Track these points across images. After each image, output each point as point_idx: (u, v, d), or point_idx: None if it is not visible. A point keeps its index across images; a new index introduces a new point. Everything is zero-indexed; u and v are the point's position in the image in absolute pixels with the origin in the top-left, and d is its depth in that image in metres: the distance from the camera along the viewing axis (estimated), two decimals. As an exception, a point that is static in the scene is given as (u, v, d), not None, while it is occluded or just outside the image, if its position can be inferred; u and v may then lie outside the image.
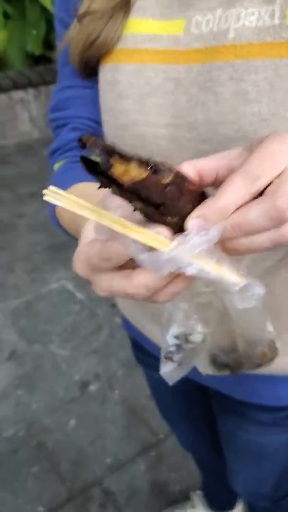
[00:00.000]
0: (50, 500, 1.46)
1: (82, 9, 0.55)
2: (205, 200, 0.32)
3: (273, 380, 0.66)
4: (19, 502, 1.45)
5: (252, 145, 0.33)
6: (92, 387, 1.79)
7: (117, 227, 0.31)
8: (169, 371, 0.44)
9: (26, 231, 2.60)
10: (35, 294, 2.20)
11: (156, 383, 0.93)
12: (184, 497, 1.47)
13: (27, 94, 3.36)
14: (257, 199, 0.32)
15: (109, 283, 0.34)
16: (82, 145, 0.28)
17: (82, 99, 0.62)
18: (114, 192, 0.30)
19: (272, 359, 0.46)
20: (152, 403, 1.72)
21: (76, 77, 0.61)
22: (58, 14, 0.63)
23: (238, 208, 0.32)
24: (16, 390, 1.78)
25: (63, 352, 1.92)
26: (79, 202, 0.31)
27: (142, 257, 0.31)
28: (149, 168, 0.29)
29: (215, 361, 0.47)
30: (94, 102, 0.60)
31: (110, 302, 2.14)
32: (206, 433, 1.00)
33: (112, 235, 0.31)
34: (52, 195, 0.31)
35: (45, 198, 0.31)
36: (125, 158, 0.29)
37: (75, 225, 0.50)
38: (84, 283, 2.24)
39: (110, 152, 0.29)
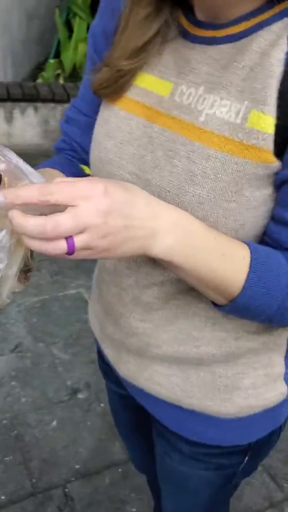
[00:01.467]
0: (13, 491, 1.54)
1: (107, 58, 0.63)
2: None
3: (194, 415, 0.72)
4: (-15, 486, 1.55)
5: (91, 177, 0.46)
6: (81, 395, 1.86)
7: None
8: None
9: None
10: (52, 295, 2.31)
11: (112, 393, 0.99)
12: (138, 520, 1.51)
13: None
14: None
15: None
16: None
17: (79, 122, 0.75)
18: None
19: None
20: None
21: (85, 102, 0.73)
22: (89, 52, 0.72)
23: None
24: (11, 381, 1.88)
25: (63, 356, 2.01)
26: None
27: None
28: None
29: None
30: (88, 129, 0.70)
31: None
32: (152, 453, 1.04)
33: None
34: None
35: None
36: None
37: None
38: (100, 295, 2.33)
39: None
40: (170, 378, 0.70)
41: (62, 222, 0.43)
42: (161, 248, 0.49)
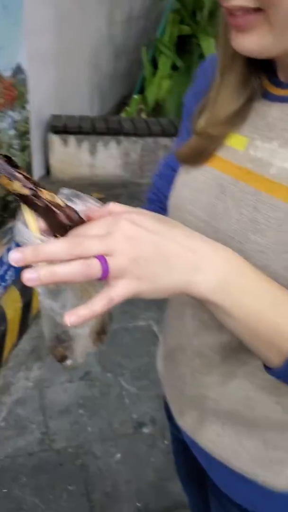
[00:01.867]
0: (75, 522, 1.55)
1: (199, 126, 0.64)
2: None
3: (244, 480, 0.69)
4: (48, 513, 1.57)
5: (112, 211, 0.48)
6: (146, 430, 1.85)
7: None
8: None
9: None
10: (122, 325, 2.34)
11: (172, 435, 0.98)
12: None
13: (172, 142, 3.61)
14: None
15: None
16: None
17: (168, 176, 0.77)
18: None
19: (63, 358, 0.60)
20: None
21: (174, 160, 0.74)
22: (183, 116, 0.76)
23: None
24: (79, 409, 1.92)
25: (131, 388, 2.02)
26: None
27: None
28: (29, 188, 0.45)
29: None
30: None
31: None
32: (209, 506, 1.01)
33: None
34: None
35: None
36: (12, 177, 0.44)
37: None
38: (170, 329, 2.33)
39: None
40: (222, 438, 0.69)
41: (88, 238, 0.43)
42: (208, 286, 0.45)
